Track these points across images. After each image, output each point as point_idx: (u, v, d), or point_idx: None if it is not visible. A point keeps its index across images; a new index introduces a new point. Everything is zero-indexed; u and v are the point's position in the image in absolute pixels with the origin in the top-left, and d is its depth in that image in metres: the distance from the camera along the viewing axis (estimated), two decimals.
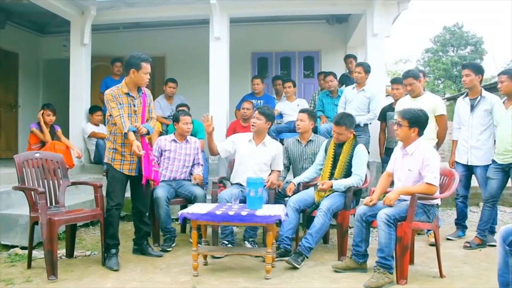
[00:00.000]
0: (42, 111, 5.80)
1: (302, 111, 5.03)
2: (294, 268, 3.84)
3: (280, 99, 7.34)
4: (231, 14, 6.72)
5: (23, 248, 4.37)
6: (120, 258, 4.02)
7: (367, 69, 5.71)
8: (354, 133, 5.53)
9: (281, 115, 6.79)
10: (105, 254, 3.99)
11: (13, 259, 4.11)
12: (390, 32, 6.38)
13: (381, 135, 5.82)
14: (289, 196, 4.42)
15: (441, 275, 3.64)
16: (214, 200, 4.54)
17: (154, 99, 6.90)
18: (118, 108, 3.89)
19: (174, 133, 5.09)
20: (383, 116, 5.76)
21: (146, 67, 4.01)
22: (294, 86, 6.87)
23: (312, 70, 9.08)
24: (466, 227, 5.04)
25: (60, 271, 3.74)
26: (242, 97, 7.06)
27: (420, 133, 3.66)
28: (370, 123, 5.80)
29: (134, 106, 4.01)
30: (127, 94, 3.98)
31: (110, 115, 3.97)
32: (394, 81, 5.83)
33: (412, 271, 3.70)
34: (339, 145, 4.41)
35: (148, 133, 4.10)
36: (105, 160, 4.16)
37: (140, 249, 4.29)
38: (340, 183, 4.18)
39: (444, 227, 5.30)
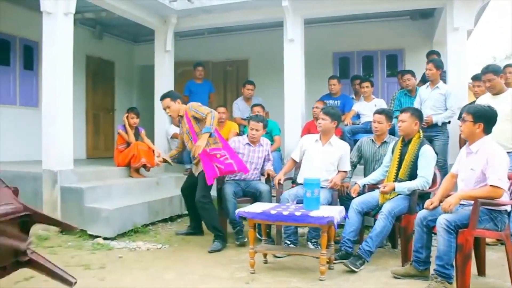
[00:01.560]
0: (127, 114, 6.30)
1: (379, 112, 4.88)
2: (352, 271, 3.77)
3: (359, 99, 7.19)
4: (304, 15, 6.74)
5: (105, 238, 4.81)
6: (182, 251, 4.28)
7: (438, 65, 5.43)
8: (432, 134, 5.34)
9: (358, 116, 6.67)
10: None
11: (95, 247, 4.54)
12: (473, 26, 5.95)
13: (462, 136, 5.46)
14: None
15: None
16: (278, 200, 4.61)
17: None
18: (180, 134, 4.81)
19: (247, 135, 5.22)
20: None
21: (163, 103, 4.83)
22: (372, 86, 6.71)
23: (395, 69, 8.73)
24: None
25: (130, 261, 4.08)
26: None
27: (486, 130, 3.39)
28: (449, 122, 5.47)
29: (182, 127, 4.81)
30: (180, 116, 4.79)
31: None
32: (475, 78, 5.44)
33: (481, 283, 3.47)
34: (405, 145, 4.24)
35: (210, 134, 4.53)
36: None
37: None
38: (404, 186, 4.01)
39: None
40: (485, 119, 3.38)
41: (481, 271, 3.72)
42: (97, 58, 9.16)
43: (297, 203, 4.04)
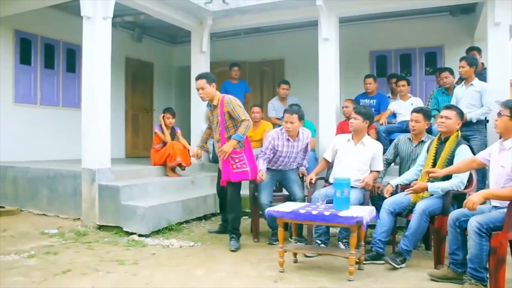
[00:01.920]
0: (163, 114, 6.45)
1: (417, 110, 4.76)
2: (394, 268, 3.79)
3: (395, 98, 7.05)
4: (339, 14, 6.67)
5: (140, 235, 4.95)
6: (213, 250, 4.37)
7: (471, 62, 5.29)
8: (467, 133, 5.17)
9: (394, 115, 6.55)
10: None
11: (129, 244, 4.67)
12: None
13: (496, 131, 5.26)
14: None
15: None
16: (309, 199, 4.60)
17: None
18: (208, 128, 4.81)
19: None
20: None
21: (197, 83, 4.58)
22: (409, 84, 6.58)
23: (434, 67, 8.49)
24: None
25: (163, 257, 4.19)
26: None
27: None
28: (488, 121, 5.28)
29: (212, 116, 4.64)
30: (208, 105, 4.63)
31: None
32: None
33: None
34: (442, 143, 4.14)
35: (239, 142, 4.50)
36: None
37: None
38: (437, 186, 3.90)
39: None
40: None
41: None
42: (136, 59, 9.43)
43: (327, 203, 4.02)
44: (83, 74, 5.60)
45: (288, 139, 4.88)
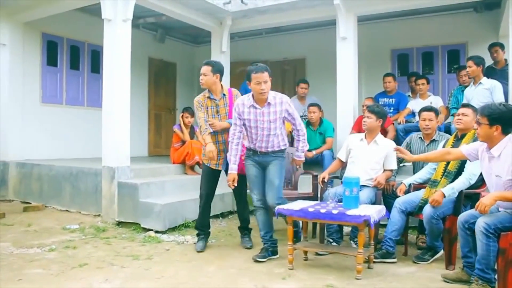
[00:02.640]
0: (182, 113, 6.58)
1: (427, 109, 4.75)
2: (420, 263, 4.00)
3: (415, 97, 6.98)
4: (357, 13, 6.64)
5: (157, 232, 5.08)
6: (226, 247, 4.43)
7: (477, 61, 5.27)
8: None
9: (413, 114, 6.48)
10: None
11: (146, 240, 4.81)
12: None
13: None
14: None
15: None
16: (321, 198, 4.63)
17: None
18: (202, 112, 4.43)
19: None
20: None
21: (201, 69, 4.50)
22: (428, 83, 6.51)
23: (458, 64, 8.34)
24: None
25: (176, 253, 4.30)
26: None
27: (505, 131, 3.18)
28: None
29: (217, 107, 4.47)
30: (209, 97, 4.48)
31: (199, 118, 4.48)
32: None
33: None
34: (458, 140, 4.13)
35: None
36: (201, 156, 4.67)
37: (240, 236, 4.70)
38: (451, 187, 3.86)
39: None
40: (502, 120, 3.17)
41: None
42: (159, 60, 9.62)
43: (338, 202, 4.04)
44: (104, 75, 5.77)
45: (253, 106, 4.04)
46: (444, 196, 3.84)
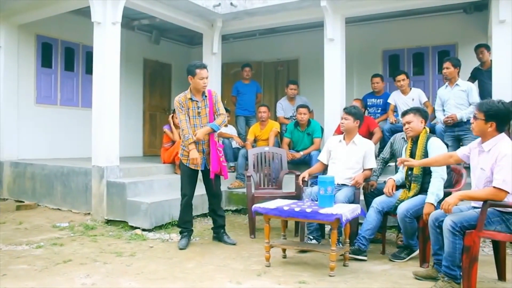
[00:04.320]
0: (172, 114, 6.70)
1: (403, 114, 4.77)
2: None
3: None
4: (345, 14, 6.74)
5: (144, 230, 5.20)
6: (209, 244, 4.54)
7: (455, 63, 5.36)
8: (460, 133, 5.20)
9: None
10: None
11: (131, 238, 4.93)
12: None
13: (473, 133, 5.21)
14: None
15: None
16: (301, 197, 4.74)
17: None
18: (183, 114, 4.51)
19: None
20: None
21: (201, 72, 4.47)
22: (407, 77, 6.51)
23: None
24: None
25: (159, 251, 4.43)
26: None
27: (499, 129, 3.27)
28: None
29: (198, 108, 4.53)
30: (191, 99, 4.52)
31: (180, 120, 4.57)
32: None
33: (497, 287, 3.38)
34: (414, 143, 4.27)
35: (214, 131, 4.56)
36: (179, 155, 4.78)
37: (217, 237, 4.79)
38: (433, 196, 3.86)
39: None
40: (498, 118, 3.26)
41: (502, 276, 3.60)
42: (154, 61, 9.76)
43: (316, 201, 4.14)
44: (94, 77, 5.89)
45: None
46: (435, 206, 3.84)
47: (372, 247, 4.46)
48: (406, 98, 6.26)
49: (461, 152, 3.62)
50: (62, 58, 7.96)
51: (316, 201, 4.14)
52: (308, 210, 3.73)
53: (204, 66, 4.54)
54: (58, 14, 6.92)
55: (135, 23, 8.60)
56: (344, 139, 4.76)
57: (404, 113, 4.41)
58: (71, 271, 3.75)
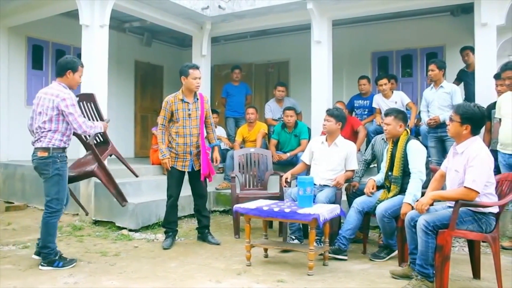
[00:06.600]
0: None
1: (385, 114, 4.84)
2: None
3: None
4: (331, 17, 6.82)
5: (130, 230, 5.27)
6: (193, 244, 4.62)
7: (440, 65, 5.46)
8: (442, 134, 5.29)
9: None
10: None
11: (118, 238, 5.00)
12: (504, 21, 5.72)
13: (485, 136, 5.26)
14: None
15: None
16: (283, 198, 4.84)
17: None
18: (163, 118, 4.65)
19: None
20: (489, 115, 5.25)
21: (194, 73, 4.54)
22: (390, 81, 6.58)
23: None
24: None
25: (143, 250, 4.50)
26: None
27: (473, 132, 3.36)
28: None
29: (189, 110, 4.57)
30: (182, 100, 4.53)
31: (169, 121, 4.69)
32: (497, 76, 5.28)
33: (472, 286, 3.47)
34: (395, 145, 4.33)
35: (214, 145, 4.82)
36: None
37: (202, 237, 4.84)
38: (411, 197, 3.91)
39: None
40: (473, 121, 3.34)
41: (476, 274, 3.69)
42: (146, 63, 9.82)
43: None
44: (82, 79, 5.92)
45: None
46: (412, 207, 3.83)
47: (354, 246, 4.55)
48: (388, 101, 6.33)
49: (443, 166, 3.69)
50: (53, 60, 7.99)
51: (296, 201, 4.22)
52: (287, 210, 3.80)
53: (197, 67, 4.66)
54: (48, 16, 6.97)
55: (126, 25, 8.67)
56: (326, 140, 4.83)
57: (386, 114, 4.50)
58: (54, 270, 3.82)
